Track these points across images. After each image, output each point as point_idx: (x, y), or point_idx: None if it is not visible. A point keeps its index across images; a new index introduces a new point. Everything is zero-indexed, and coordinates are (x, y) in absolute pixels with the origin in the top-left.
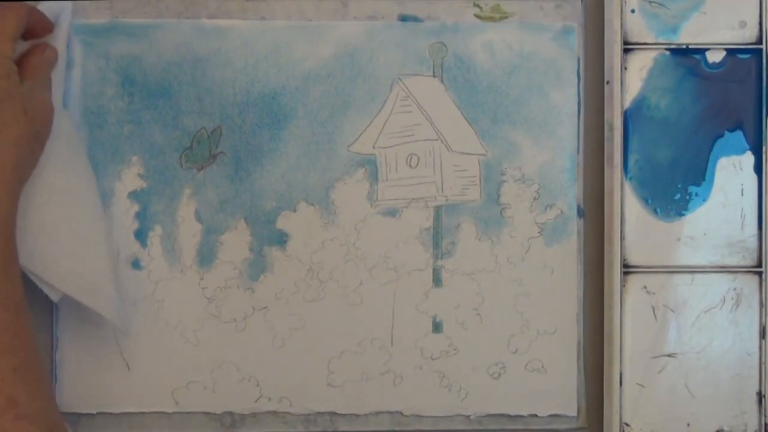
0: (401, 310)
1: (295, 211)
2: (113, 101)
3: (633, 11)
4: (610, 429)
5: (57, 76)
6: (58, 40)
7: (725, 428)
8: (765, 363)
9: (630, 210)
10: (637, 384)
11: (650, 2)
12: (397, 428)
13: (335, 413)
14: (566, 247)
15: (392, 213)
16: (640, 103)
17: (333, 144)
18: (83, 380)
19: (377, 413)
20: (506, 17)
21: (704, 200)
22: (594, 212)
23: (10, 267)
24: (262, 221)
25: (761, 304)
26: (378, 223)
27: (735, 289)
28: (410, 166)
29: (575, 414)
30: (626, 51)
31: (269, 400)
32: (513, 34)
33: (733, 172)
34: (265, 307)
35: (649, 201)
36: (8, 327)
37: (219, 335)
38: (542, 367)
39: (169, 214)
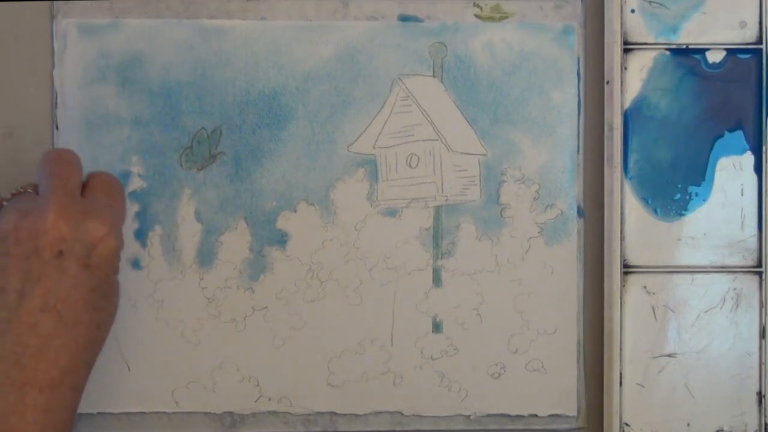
0: (401, 310)
1: (295, 211)
2: (113, 101)
3: (633, 11)
4: (610, 429)
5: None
6: None
7: (725, 428)
8: (765, 363)
9: (630, 210)
10: (637, 384)
11: (650, 2)
12: (397, 428)
13: (335, 413)
14: (566, 247)
15: (392, 213)
16: (640, 103)
17: (333, 144)
18: None
19: (377, 413)
20: (506, 17)
21: (704, 200)
22: (594, 212)
23: (82, 381)
24: (262, 221)
25: (761, 304)
26: (378, 223)
27: (735, 289)
28: (410, 166)
29: (575, 414)
30: (626, 51)
31: (269, 400)
32: (513, 34)
33: (733, 172)
34: (265, 307)
35: (649, 201)
36: None
37: (219, 335)
38: (542, 367)
39: (169, 214)
